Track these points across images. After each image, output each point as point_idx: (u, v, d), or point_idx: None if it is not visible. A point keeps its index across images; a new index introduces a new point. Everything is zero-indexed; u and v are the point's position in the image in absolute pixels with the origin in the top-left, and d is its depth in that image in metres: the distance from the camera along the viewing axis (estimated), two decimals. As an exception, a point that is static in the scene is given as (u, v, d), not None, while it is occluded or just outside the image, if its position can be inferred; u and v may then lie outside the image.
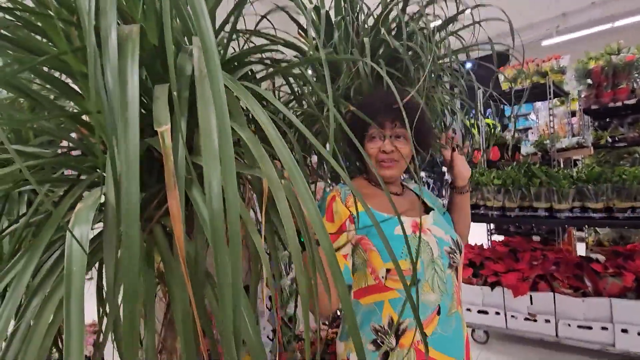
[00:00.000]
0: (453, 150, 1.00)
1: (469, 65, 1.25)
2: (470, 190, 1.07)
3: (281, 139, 0.35)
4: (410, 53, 0.96)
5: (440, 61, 1.12)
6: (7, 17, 0.45)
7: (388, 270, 0.81)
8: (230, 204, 0.26)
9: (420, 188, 0.97)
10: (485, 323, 2.46)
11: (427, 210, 0.96)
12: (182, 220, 0.30)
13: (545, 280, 2.26)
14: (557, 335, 2.23)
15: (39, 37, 0.50)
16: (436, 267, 0.84)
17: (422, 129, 0.90)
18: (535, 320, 2.28)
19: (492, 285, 2.35)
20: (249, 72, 0.73)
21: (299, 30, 1.05)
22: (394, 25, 1.05)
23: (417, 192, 1.02)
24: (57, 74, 0.50)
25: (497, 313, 2.40)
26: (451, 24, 1.03)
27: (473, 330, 2.59)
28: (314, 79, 1.02)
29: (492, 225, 3.41)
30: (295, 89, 0.92)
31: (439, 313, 0.83)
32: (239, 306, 0.27)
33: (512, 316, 2.35)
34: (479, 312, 2.47)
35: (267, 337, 1.55)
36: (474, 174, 2.49)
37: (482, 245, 2.76)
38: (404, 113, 0.66)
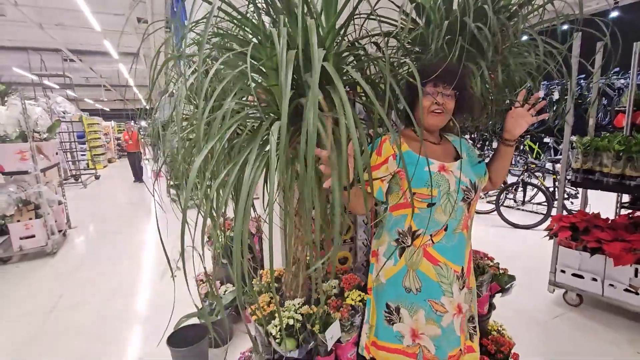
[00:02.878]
0: (515, 107, 1.20)
1: (613, 14, 1.28)
2: (517, 145, 1.26)
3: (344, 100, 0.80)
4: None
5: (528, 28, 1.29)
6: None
7: (414, 194, 1.13)
8: (312, 128, 0.73)
9: (460, 140, 1.23)
10: (578, 286, 2.47)
11: (458, 159, 1.22)
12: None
13: (662, 257, 2.11)
14: (662, 313, 2.12)
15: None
16: (450, 198, 1.10)
17: (465, 93, 1.16)
18: (637, 293, 2.20)
19: (593, 251, 2.32)
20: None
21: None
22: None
23: (455, 144, 1.28)
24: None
25: (594, 279, 2.38)
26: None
27: (565, 292, 2.62)
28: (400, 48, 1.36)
29: (627, 197, 3.05)
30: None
31: (445, 230, 1.12)
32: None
33: (611, 284, 2.31)
34: (574, 275, 2.48)
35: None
36: (597, 139, 2.33)
37: (598, 213, 2.61)
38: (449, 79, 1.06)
